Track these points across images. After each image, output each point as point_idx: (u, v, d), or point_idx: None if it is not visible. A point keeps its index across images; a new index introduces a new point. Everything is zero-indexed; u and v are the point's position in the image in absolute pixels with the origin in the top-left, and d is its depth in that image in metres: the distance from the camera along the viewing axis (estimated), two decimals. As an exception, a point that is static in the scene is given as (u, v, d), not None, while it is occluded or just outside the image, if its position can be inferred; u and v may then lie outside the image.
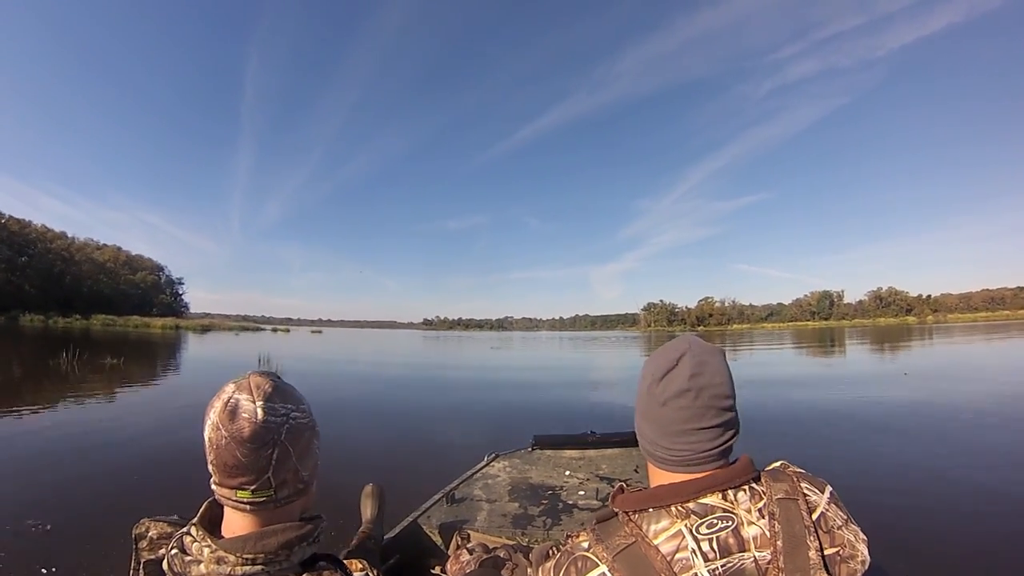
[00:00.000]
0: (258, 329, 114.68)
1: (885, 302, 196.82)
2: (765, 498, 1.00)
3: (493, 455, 4.26)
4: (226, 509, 1.06)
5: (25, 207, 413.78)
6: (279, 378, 1.08)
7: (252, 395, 1.00)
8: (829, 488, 1.07)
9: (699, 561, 0.93)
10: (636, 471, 3.84)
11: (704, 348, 1.08)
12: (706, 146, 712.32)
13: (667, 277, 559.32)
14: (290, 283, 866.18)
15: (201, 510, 1.08)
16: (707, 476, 1.01)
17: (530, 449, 4.50)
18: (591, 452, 4.36)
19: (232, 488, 1.00)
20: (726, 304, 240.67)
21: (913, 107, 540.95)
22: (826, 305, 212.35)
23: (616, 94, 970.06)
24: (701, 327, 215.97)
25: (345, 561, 1.17)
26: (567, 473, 3.83)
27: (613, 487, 3.06)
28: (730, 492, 1.00)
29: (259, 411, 0.99)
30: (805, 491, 1.03)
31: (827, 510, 1.02)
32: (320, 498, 1.21)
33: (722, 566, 0.93)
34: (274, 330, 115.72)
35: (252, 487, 1.00)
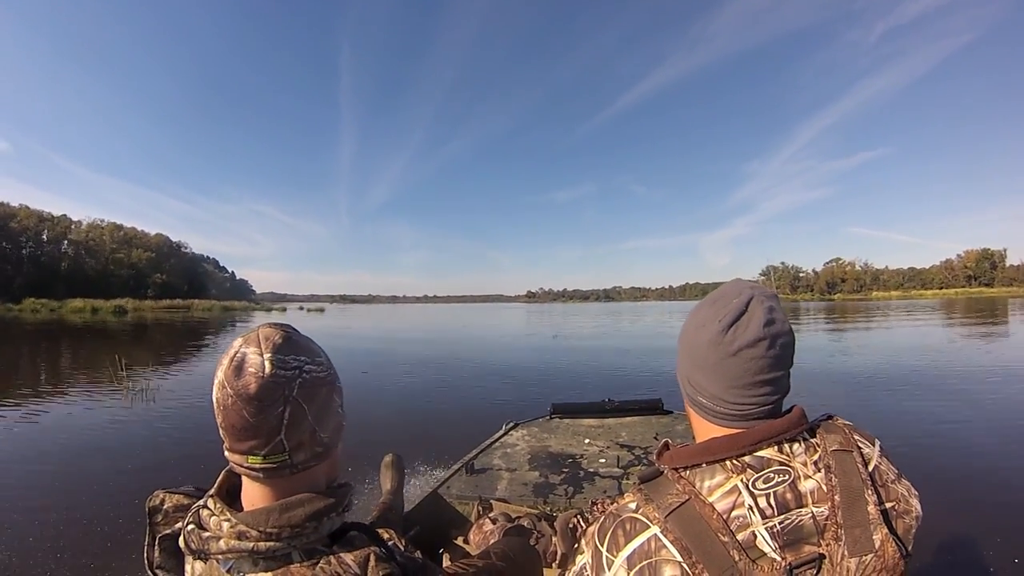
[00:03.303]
0: (251, 309, 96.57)
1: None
2: (820, 450, 0.94)
3: (511, 424, 4.23)
4: (243, 478, 0.97)
5: (150, 209, 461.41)
6: (293, 329, 0.98)
7: (260, 347, 0.90)
8: (879, 441, 1.02)
9: (756, 518, 0.87)
10: (656, 438, 3.80)
11: (768, 291, 0.99)
12: (816, 101, 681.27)
13: (779, 243, 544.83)
14: (399, 262, 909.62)
15: (219, 480, 1.00)
16: (764, 427, 0.94)
17: (548, 418, 4.44)
18: (610, 420, 4.31)
19: (242, 453, 0.91)
20: (857, 267, 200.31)
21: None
22: (986, 268, 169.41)
23: (716, 52, 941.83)
24: (836, 295, 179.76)
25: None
26: (586, 441, 3.78)
27: (633, 455, 3.42)
28: (785, 444, 0.94)
29: (266, 364, 0.89)
30: (858, 443, 0.98)
31: (880, 463, 0.97)
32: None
33: (780, 523, 0.87)
34: (268, 310, 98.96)
35: (263, 451, 0.90)
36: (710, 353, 0.97)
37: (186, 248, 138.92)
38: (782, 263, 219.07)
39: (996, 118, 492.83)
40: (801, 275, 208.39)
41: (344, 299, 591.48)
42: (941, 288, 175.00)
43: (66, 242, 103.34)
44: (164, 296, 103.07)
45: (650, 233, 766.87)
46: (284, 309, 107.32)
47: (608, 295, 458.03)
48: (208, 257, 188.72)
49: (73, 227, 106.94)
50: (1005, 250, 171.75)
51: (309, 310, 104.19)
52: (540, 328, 40.18)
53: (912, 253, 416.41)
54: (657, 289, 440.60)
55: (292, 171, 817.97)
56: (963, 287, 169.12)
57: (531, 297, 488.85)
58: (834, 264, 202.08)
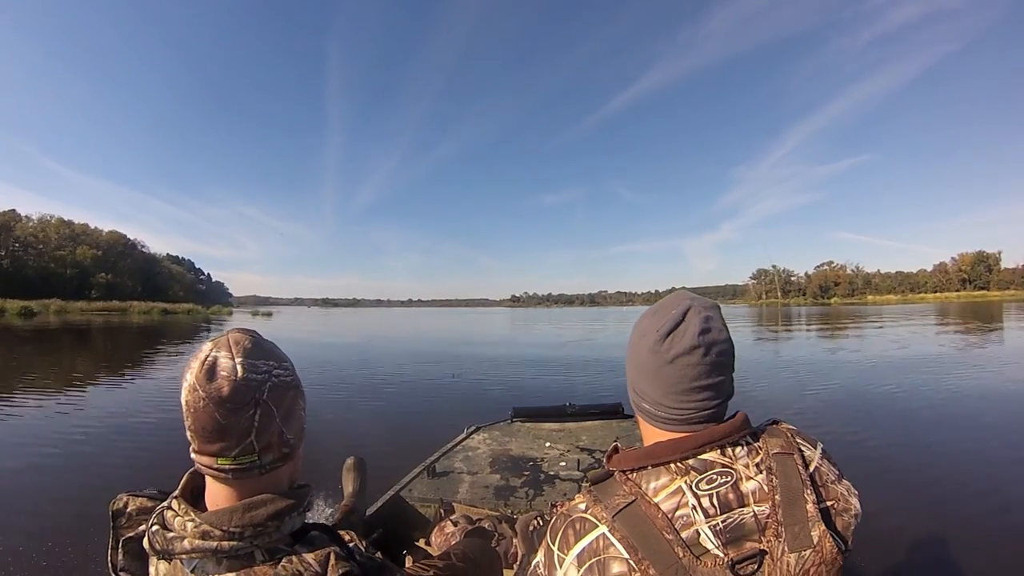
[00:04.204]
0: (195, 312, 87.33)
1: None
2: (762, 453, 0.99)
3: (473, 428, 4.30)
4: (208, 479, 0.98)
5: (134, 210, 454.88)
6: (259, 335, 1.01)
7: (231, 352, 0.93)
8: (821, 445, 1.07)
9: (700, 517, 0.91)
10: (616, 441, 3.56)
11: (707, 302, 1.03)
12: (803, 107, 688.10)
13: (765, 247, 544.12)
14: (388, 265, 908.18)
15: (182, 481, 1.01)
16: (706, 432, 0.98)
17: (509, 421, 4.53)
18: (570, 424, 4.40)
19: (212, 455, 0.93)
20: (848, 271, 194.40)
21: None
22: (982, 271, 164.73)
23: (705, 57, 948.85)
24: (831, 299, 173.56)
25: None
26: (547, 445, 3.89)
27: (594, 458, 3.59)
28: (728, 448, 0.98)
29: (239, 368, 0.91)
30: (800, 446, 1.03)
31: (821, 465, 1.02)
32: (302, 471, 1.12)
33: (723, 522, 0.91)
34: (215, 313, 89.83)
35: (234, 452, 0.92)
36: (650, 361, 1.00)
37: (143, 247, 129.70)
38: (773, 266, 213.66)
39: (981, 124, 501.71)
40: (793, 279, 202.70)
41: (327, 303, 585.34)
42: (935, 292, 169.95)
43: (12, 239, 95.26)
44: (111, 297, 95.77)
45: (638, 237, 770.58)
46: (231, 312, 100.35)
47: (593, 299, 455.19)
48: (182, 259, 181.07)
49: (19, 223, 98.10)
50: (1000, 253, 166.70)
51: (255, 315, 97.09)
52: (447, 352, 23.56)
53: (896, 257, 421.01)
54: (643, 293, 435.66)
55: (280, 175, 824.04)
56: (957, 291, 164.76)
57: (515, 301, 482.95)
58: (826, 268, 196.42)
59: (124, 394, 12.49)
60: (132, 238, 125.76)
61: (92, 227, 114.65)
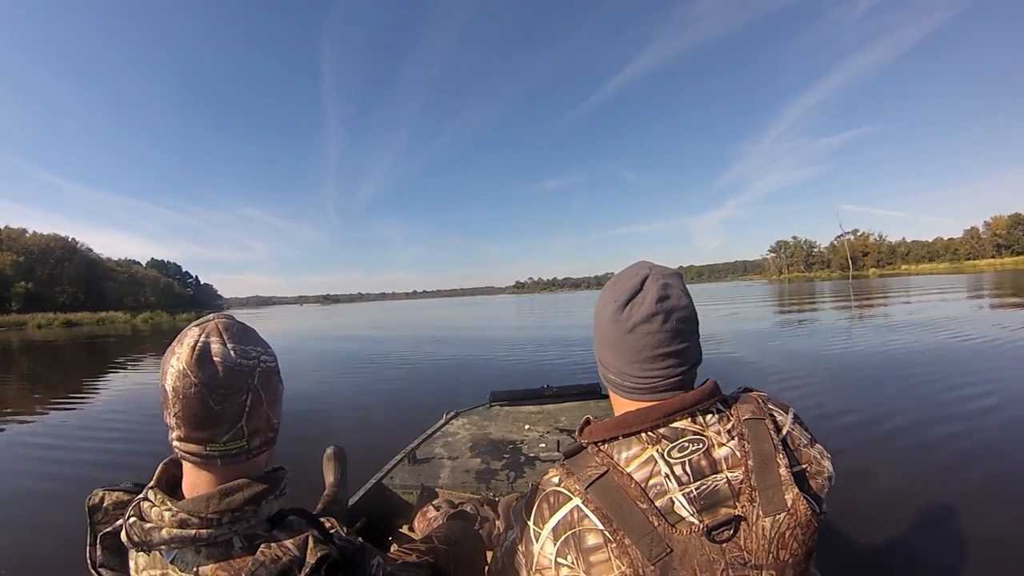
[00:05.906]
0: (114, 320, 73.18)
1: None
2: (733, 419, 0.99)
3: (452, 413, 4.29)
4: (187, 467, 0.97)
5: (134, 218, 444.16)
6: (241, 322, 1.00)
7: (222, 337, 0.92)
8: (793, 410, 1.07)
9: (673, 485, 0.91)
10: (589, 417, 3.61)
11: (666, 271, 1.04)
12: (803, 79, 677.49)
13: (770, 222, 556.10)
14: (391, 259, 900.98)
15: (157, 472, 1.00)
16: (675, 400, 0.98)
17: (488, 405, 4.53)
18: (548, 406, 4.40)
19: (201, 442, 0.91)
20: (871, 240, 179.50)
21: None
22: (1019, 235, 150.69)
23: (701, 33, 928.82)
24: (867, 270, 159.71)
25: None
26: (526, 427, 3.89)
27: (573, 438, 3.58)
28: (699, 415, 0.98)
29: (232, 353, 0.91)
30: (771, 411, 1.03)
31: (792, 429, 1.02)
32: (280, 461, 1.10)
33: (696, 489, 0.92)
34: (128, 322, 75.06)
35: (224, 438, 0.92)
36: (611, 330, 1.02)
37: (87, 250, 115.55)
38: (794, 238, 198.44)
39: (984, 91, 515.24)
40: (815, 250, 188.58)
41: (328, 299, 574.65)
42: (968, 259, 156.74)
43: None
44: (39, 308, 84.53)
45: (642, 219, 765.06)
46: (149, 320, 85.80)
47: (600, 282, 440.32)
48: (167, 262, 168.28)
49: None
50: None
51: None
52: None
53: (903, 228, 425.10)
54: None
55: (281, 175, 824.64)
56: (993, 256, 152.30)
57: (519, 288, 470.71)
58: (851, 236, 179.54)
59: None
60: (80, 241, 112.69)
61: (30, 232, 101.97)
